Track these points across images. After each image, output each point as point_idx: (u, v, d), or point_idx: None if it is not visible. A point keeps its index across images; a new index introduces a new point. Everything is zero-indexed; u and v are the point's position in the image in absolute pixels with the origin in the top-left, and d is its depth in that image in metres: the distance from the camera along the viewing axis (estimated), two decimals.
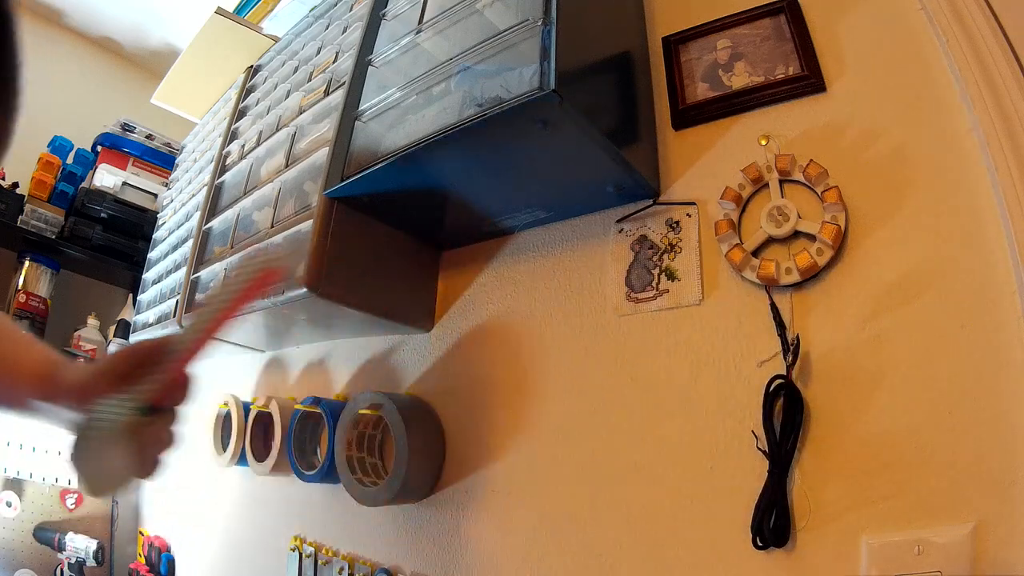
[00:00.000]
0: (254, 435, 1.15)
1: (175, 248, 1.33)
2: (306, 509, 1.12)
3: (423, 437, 0.89)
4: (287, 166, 0.98)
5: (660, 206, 0.78)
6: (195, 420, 1.51)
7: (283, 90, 1.13)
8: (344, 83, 0.90)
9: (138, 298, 1.48)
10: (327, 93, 0.95)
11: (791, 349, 0.61)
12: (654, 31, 0.88)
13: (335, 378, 1.15)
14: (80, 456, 0.44)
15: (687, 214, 0.76)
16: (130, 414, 0.44)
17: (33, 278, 1.65)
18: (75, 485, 1.49)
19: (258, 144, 1.11)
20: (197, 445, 1.31)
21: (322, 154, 0.88)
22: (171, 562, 1.47)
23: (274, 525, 1.18)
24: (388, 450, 0.98)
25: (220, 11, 1.36)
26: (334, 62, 1.00)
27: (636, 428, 0.73)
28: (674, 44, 0.84)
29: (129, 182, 1.77)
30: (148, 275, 1.47)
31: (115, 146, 1.78)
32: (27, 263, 1.64)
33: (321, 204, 0.84)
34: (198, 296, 1.13)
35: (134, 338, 1.48)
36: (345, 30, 1.04)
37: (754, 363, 0.65)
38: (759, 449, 0.61)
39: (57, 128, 1.79)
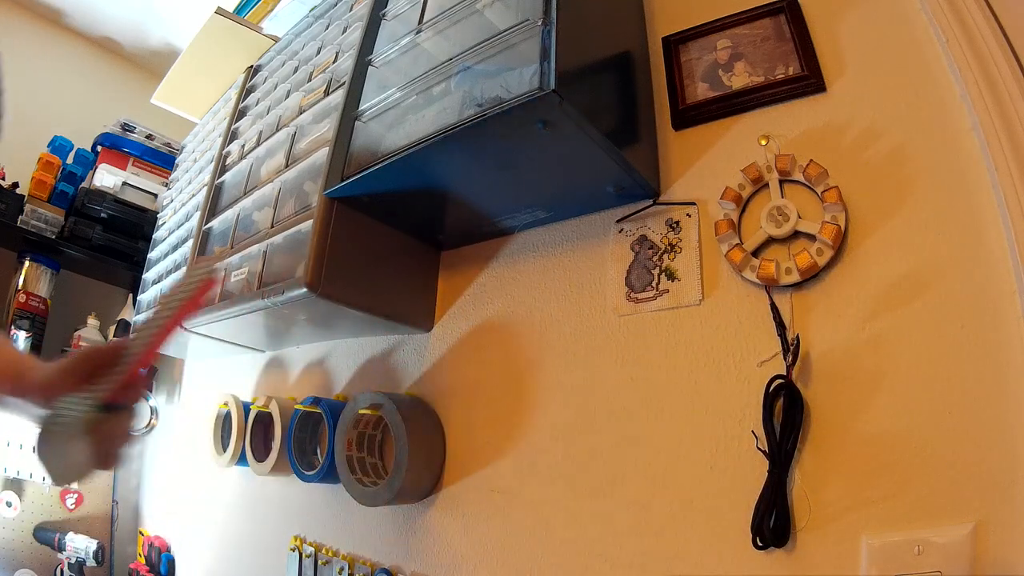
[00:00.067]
0: (254, 435, 1.16)
1: (175, 248, 1.33)
2: (306, 509, 1.12)
3: (423, 437, 0.89)
4: (287, 166, 0.98)
5: (660, 206, 0.78)
6: (195, 420, 1.51)
7: (283, 90, 1.13)
8: (344, 83, 0.91)
9: (138, 298, 1.48)
10: (327, 93, 0.95)
11: (791, 349, 0.61)
12: (654, 31, 0.88)
13: (335, 378, 1.15)
14: (44, 448, 0.49)
15: (687, 214, 0.76)
16: (90, 411, 0.49)
17: (33, 278, 1.64)
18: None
19: (258, 144, 1.11)
20: (197, 445, 1.31)
21: (322, 154, 0.88)
22: (171, 562, 1.47)
23: (274, 525, 1.18)
24: (388, 450, 0.98)
25: (220, 11, 1.36)
26: (334, 62, 1.00)
27: (636, 428, 0.73)
28: (674, 44, 0.84)
29: (129, 182, 1.77)
30: (148, 275, 1.47)
31: (115, 146, 1.78)
32: (27, 263, 1.64)
33: (321, 204, 0.84)
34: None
35: None
36: (345, 30, 1.04)
37: (754, 363, 0.65)
38: (759, 449, 0.61)
39: (57, 128, 1.79)
